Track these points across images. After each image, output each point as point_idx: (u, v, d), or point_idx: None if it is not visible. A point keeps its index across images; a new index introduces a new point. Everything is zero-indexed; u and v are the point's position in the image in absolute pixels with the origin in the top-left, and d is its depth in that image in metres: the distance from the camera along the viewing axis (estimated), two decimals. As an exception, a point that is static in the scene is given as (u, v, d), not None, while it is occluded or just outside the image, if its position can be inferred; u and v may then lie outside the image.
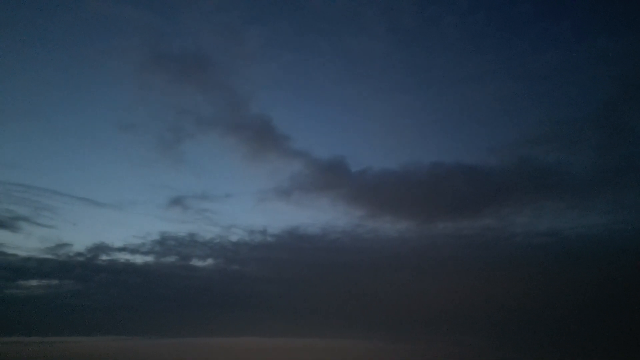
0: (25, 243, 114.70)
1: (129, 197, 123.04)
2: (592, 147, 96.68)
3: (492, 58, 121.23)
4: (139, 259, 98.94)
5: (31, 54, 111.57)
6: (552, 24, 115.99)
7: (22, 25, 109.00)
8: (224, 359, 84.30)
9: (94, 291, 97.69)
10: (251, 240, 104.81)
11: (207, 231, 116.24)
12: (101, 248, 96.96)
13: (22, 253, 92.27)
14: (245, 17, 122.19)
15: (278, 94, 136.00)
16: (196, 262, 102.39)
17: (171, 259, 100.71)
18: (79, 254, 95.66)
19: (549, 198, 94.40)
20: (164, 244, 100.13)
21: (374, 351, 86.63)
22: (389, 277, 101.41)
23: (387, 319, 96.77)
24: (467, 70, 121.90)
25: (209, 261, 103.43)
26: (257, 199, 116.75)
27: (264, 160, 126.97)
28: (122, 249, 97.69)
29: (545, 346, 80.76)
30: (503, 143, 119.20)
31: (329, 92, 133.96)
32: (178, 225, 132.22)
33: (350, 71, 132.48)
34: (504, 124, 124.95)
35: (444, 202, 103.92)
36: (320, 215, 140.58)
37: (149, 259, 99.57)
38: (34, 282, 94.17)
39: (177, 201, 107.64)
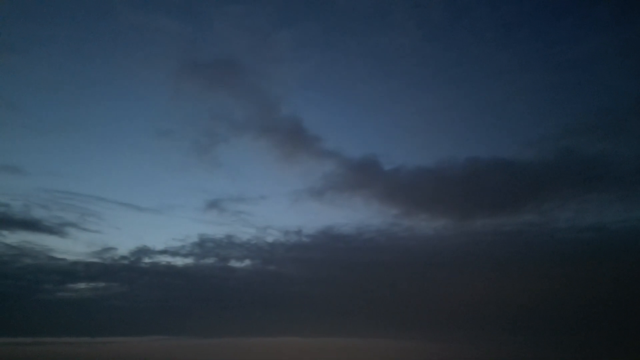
0: (73, 248, 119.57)
1: (167, 201, 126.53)
2: (638, 137, 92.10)
3: (527, 48, 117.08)
4: (179, 261, 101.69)
5: (71, 66, 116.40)
6: (590, 9, 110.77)
7: (62, 40, 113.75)
8: (265, 358, 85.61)
9: (138, 293, 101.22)
10: (287, 241, 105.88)
11: (244, 233, 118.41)
12: (143, 251, 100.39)
13: (71, 257, 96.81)
14: (274, 20, 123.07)
15: (308, 95, 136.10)
16: (234, 263, 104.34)
17: (210, 260, 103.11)
18: (123, 257, 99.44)
19: (594, 191, 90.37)
20: (203, 246, 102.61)
21: (413, 350, 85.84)
22: (426, 276, 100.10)
23: (425, 318, 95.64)
24: (501, 62, 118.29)
25: (247, 262, 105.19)
26: (291, 200, 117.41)
27: (296, 162, 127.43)
28: (163, 252, 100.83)
29: (592, 345, 77.74)
30: (542, 136, 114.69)
31: (359, 91, 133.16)
32: (215, 227, 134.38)
33: (380, 69, 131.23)
34: (542, 115, 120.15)
35: (482, 198, 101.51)
36: (354, 215, 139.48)
37: (189, 261, 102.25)
38: (82, 285, 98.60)
39: (213, 204, 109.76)
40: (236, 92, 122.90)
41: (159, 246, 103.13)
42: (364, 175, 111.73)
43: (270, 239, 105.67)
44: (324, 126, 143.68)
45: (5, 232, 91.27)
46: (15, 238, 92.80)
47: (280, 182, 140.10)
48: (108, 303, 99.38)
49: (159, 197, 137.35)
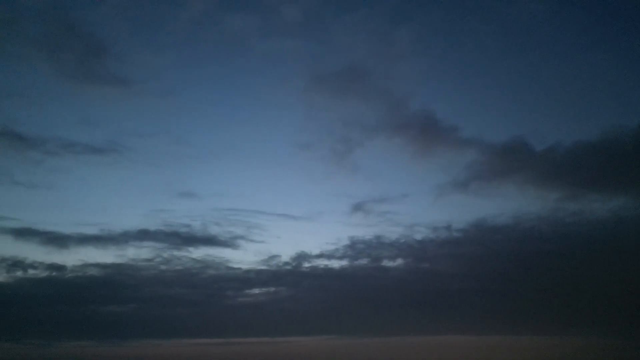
0: (245, 258, 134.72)
1: (316, 209, 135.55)
2: None
3: None
4: (335, 264, 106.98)
5: (219, 99, 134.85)
6: None
7: (208, 78, 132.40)
8: (427, 356, 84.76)
9: (302, 295, 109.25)
10: (436, 237, 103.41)
11: (392, 232, 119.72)
12: (302, 256, 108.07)
13: (244, 266, 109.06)
14: (391, 19, 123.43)
15: (437, 86, 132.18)
16: (387, 263, 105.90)
17: (363, 261, 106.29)
18: (286, 263, 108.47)
19: None
20: (354, 247, 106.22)
21: (589, 349, 75.58)
22: (604, 264, 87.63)
23: (606, 313, 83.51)
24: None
25: (399, 261, 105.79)
26: (435, 194, 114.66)
27: (434, 155, 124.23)
28: (319, 256, 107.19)
29: None
30: None
31: (492, 71, 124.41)
32: (364, 229, 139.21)
33: (513, 43, 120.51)
34: None
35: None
36: (508, 204, 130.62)
37: (344, 263, 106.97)
38: (256, 290, 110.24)
39: (358, 207, 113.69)
40: (364, 96, 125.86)
41: (315, 251, 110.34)
42: (512, 160, 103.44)
43: (419, 237, 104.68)
44: (459, 114, 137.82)
45: (190, 249, 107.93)
46: (199, 253, 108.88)
47: (420, 178, 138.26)
48: (278, 305, 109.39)
49: (308, 206, 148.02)
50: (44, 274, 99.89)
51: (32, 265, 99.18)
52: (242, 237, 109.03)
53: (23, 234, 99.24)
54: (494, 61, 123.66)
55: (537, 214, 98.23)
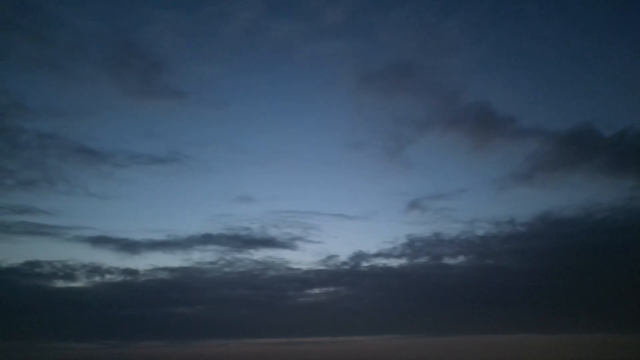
0: (303, 258, 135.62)
1: (371, 208, 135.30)
2: None
3: None
4: (394, 262, 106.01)
5: (271, 104, 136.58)
6: None
7: (258, 85, 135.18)
8: (489, 356, 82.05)
9: (362, 295, 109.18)
10: (499, 233, 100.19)
11: (451, 229, 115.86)
12: (360, 256, 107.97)
13: (303, 267, 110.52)
14: (438, 12, 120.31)
15: (490, 76, 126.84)
16: (448, 261, 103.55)
17: (423, 259, 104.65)
18: (344, 263, 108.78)
19: None
20: (413, 246, 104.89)
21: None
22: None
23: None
24: None
25: (461, 258, 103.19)
26: (495, 188, 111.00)
27: (492, 148, 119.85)
28: (377, 255, 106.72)
29: None
30: None
31: (550, 56, 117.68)
32: (421, 226, 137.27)
33: (571, 24, 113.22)
34: None
35: None
36: (576, 194, 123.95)
37: (403, 261, 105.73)
38: (316, 290, 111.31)
39: (414, 204, 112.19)
40: (414, 92, 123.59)
41: (372, 250, 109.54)
42: (578, 148, 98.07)
43: (480, 232, 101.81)
44: (516, 104, 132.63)
45: (251, 251, 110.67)
46: (259, 255, 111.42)
47: (478, 172, 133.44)
48: (339, 305, 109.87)
49: (363, 205, 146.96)
50: (119, 278, 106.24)
51: (109, 271, 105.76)
52: (299, 238, 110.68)
53: (99, 241, 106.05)
54: (551, 45, 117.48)
55: (609, 204, 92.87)
